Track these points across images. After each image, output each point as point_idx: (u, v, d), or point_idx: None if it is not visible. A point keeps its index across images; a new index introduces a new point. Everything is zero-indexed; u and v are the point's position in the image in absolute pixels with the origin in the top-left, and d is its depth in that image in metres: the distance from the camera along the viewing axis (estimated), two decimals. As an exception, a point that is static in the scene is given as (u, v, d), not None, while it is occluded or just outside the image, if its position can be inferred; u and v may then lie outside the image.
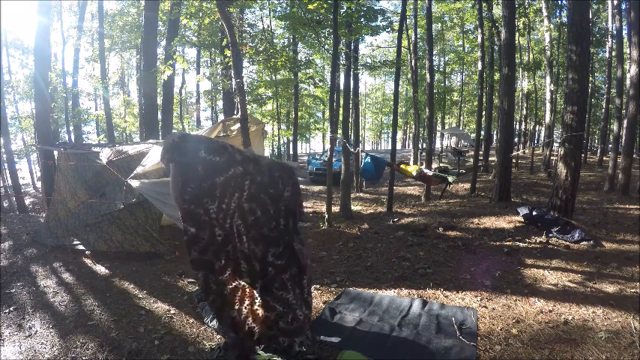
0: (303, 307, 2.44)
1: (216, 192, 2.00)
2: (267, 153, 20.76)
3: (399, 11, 10.10)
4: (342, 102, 8.43)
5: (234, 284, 2.18)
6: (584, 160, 15.21)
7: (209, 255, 1.97)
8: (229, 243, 2.10)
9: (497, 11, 13.66)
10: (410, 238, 5.47)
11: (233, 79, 5.24)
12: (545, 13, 15.50)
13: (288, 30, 12.76)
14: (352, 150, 8.93)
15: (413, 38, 13.62)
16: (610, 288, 3.53)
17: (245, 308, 2.26)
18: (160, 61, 8.78)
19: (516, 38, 11.56)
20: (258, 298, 2.26)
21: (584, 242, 4.87)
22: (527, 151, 18.60)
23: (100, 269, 4.33)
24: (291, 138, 22.49)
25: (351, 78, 10.50)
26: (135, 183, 4.19)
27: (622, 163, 9.37)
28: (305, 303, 2.48)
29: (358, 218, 7.48)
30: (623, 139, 9.68)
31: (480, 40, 12.33)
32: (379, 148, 43.92)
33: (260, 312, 2.27)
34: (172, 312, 3.25)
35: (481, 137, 13.66)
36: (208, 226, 2.00)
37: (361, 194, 12.59)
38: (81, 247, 4.77)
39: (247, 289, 2.25)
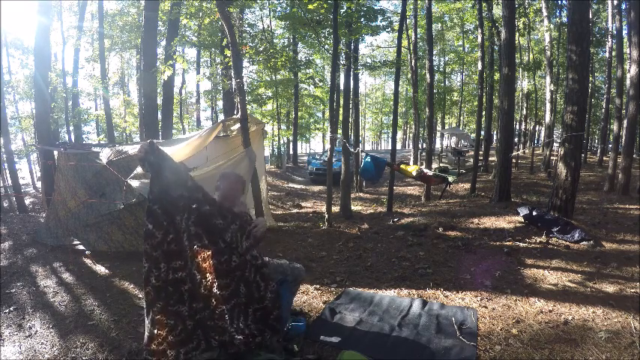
0: (246, 331, 2.25)
1: (175, 204, 2.13)
2: (267, 153, 20.77)
3: (399, 11, 10.11)
4: (342, 102, 8.43)
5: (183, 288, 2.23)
6: (584, 160, 15.22)
7: (159, 252, 2.09)
8: (181, 256, 2.17)
9: (497, 11, 13.67)
10: (410, 238, 5.47)
11: (233, 79, 5.25)
12: (545, 13, 15.51)
13: (288, 30, 12.80)
14: (352, 150, 8.93)
15: (413, 38, 13.64)
16: (610, 288, 3.53)
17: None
18: (160, 61, 8.78)
19: (516, 38, 11.55)
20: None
21: (584, 242, 4.87)
22: (527, 151, 18.60)
23: (100, 269, 4.33)
24: (291, 138, 22.51)
25: (351, 78, 10.51)
26: (135, 183, 4.19)
27: (622, 163, 9.37)
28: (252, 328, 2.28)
29: (358, 218, 7.48)
30: (623, 139, 9.68)
31: (480, 40, 12.33)
32: (379, 148, 43.93)
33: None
34: (172, 312, 3.25)
35: (481, 137, 13.67)
36: (171, 230, 2.11)
37: (361, 194, 12.59)
38: (81, 247, 4.77)
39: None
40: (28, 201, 10.74)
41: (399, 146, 34.32)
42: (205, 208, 2.19)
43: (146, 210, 2.08)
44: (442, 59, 26.22)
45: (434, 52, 20.80)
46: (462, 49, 23.28)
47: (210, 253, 2.22)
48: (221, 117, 18.25)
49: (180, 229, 2.13)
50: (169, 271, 2.12)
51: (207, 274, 2.23)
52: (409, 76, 17.77)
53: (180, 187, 2.13)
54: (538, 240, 5.07)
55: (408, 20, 12.90)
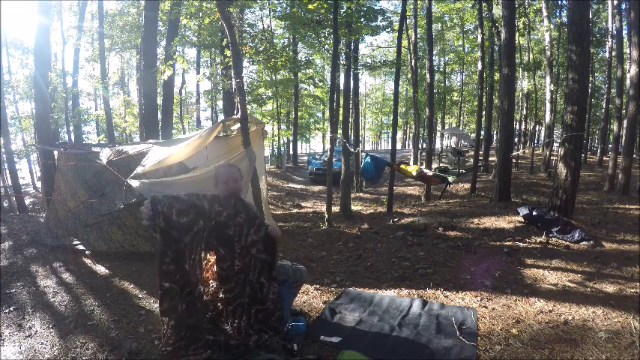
0: (250, 330, 2.35)
1: (186, 252, 2.14)
2: (267, 153, 20.77)
3: (399, 11, 10.10)
4: (342, 102, 8.43)
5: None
6: (584, 160, 15.22)
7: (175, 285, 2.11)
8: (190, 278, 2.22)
9: (498, 11, 13.67)
10: (410, 238, 5.47)
11: (233, 79, 5.24)
12: (545, 13, 15.50)
13: (288, 30, 12.79)
14: (352, 150, 8.93)
15: (413, 38, 13.63)
16: (610, 288, 3.53)
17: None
18: (160, 61, 8.77)
19: (516, 38, 11.55)
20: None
21: (584, 242, 4.87)
22: (527, 151, 18.60)
23: (100, 269, 4.33)
24: (291, 138, 22.51)
25: (351, 78, 10.50)
26: (135, 183, 4.19)
27: (622, 163, 9.37)
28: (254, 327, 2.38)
29: (358, 218, 7.47)
30: (623, 139, 9.68)
31: (480, 40, 12.32)
32: (379, 148, 43.93)
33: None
34: (172, 312, 3.24)
35: (481, 137, 13.65)
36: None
37: (361, 194, 12.59)
38: (81, 247, 4.77)
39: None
40: (28, 201, 10.74)
41: (399, 146, 34.32)
42: (213, 223, 2.22)
43: (159, 271, 2.10)
44: (442, 59, 26.21)
45: (434, 52, 20.81)
46: (462, 49, 23.27)
47: (212, 261, 2.22)
48: (221, 117, 18.26)
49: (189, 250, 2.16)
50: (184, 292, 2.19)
51: (211, 281, 2.24)
52: (409, 76, 17.77)
53: (196, 222, 2.15)
54: (538, 240, 5.07)
55: (408, 20, 12.90)
